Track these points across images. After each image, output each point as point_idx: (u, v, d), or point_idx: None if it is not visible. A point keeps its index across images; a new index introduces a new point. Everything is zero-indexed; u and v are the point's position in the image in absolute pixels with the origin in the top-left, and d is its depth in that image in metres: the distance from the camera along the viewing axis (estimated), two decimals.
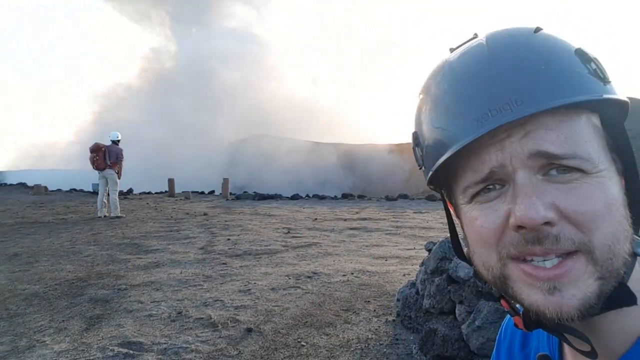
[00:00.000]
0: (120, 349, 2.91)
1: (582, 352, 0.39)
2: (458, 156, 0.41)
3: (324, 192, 20.01)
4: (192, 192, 17.62)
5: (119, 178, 10.29)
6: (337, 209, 11.89)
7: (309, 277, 4.61)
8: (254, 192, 16.93)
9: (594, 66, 0.39)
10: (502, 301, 0.45)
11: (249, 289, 4.20)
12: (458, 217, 0.46)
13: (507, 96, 0.38)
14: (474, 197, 0.42)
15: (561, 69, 0.38)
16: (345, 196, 16.35)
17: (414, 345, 2.90)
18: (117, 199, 10.13)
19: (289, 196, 16.32)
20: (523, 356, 0.53)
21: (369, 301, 3.82)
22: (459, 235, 0.50)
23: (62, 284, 4.49)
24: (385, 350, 2.89)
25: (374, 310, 3.59)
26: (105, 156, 9.98)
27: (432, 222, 8.85)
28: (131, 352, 2.88)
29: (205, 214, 10.44)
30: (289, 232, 7.72)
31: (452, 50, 0.46)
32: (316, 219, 9.69)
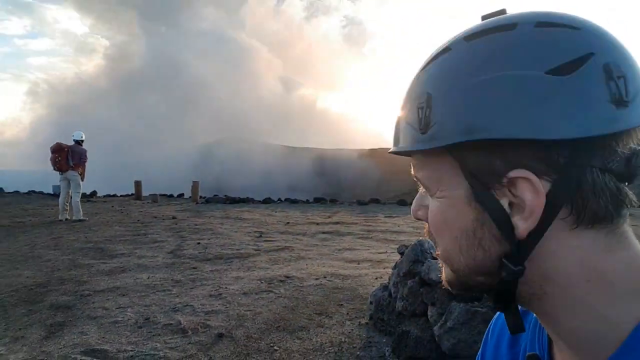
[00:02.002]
0: (84, 357, 2.78)
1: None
2: None
3: (295, 196, 19.96)
4: (160, 195, 17.15)
5: (83, 180, 9.87)
6: (309, 213, 11.88)
7: (281, 281, 4.57)
8: (225, 196, 16.66)
9: (420, 114, 0.42)
10: None
11: (220, 294, 4.12)
12: None
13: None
14: None
15: (404, 121, 0.45)
16: (317, 200, 16.36)
17: (387, 348, 2.92)
18: (80, 202, 9.71)
19: (261, 200, 16.17)
20: (512, 355, 0.53)
21: (342, 304, 3.82)
22: None
23: (19, 290, 4.24)
24: (358, 353, 2.90)
25: (347, 314, 3.60)
26: (68, 157, 9.54)
27: (403, 226, 8.99)
28: None
29: (174, 218, 10.17)
30: (260, 235, 7.64)
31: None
32: (288, 222, 9.64)
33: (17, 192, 18.08)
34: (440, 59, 0.42)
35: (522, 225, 0.38)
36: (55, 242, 6.86)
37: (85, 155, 9.81)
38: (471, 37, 0.40)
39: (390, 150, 0.47)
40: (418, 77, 0.44)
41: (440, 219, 0.44)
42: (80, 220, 9.37)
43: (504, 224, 0.39)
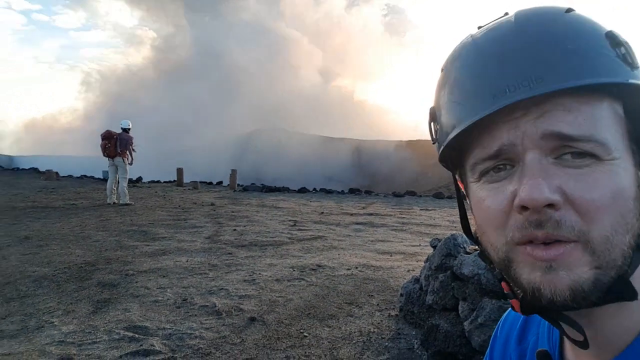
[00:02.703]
0: (126, 333, 2.97)
1: (574, 342, 0.40)
2: (471, 132, 0.41)
3: (331, 186, 20.02)
4: (201, 182, 17.75)
5: (131, 164, 10.38)
6: (343, 204, 11.90)
7: (313, 269, 4.64)
8: (262, 184, 16.99)
9: (623, 50, 0.38)
10: (503, 283, 0.44)
11: (254, 279, 4.24)
12: (467, 196, 0.47)
13: (528, 72, 0.37)
14: (482, 175, 0.42)
15: (588, 48, 0.37)
16: (352, 191, 16.34)
17: (415, 340, 2.91)
18: (126, 187, 10.24)
19: (296, 189, 16.36)
20: (519, 351, 0.52)
21: (372, 295, 3.83)
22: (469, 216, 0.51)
23: (71, 267, 4.57)
24: (387, 344, 2.91)
25: (377, 305, 3.61)
26: (117, 144, 10.08)
27: (438, 220, 8.82)
28: (137, 336, 2.93)
29: (212, 204, 10.51)
30: (295, 224, 7.75)
31: (479, 27, 0.45)
32: (323, 212, 9.71)
33: (70, 176, 19.35)
34: (578, 13, 0.40)
35: None
36: (103, 224, 7.30)
37: (132, 142, 10.30)
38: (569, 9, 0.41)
39: (582, 83, 0.36)
40: (577, 21, 0.40)
41: (615, 189, 0.36)
42: (126, 204, 9.89)
43: None
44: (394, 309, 3.51)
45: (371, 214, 9.57)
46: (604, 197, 0.36)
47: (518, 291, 0.41)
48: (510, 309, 0.56)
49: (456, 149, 0.44)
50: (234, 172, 16.70)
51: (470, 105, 0.40)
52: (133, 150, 10.39)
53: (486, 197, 0.41)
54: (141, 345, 2.79)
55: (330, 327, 3.17)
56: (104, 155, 10.18)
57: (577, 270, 0.36)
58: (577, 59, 0.36)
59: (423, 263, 3.50)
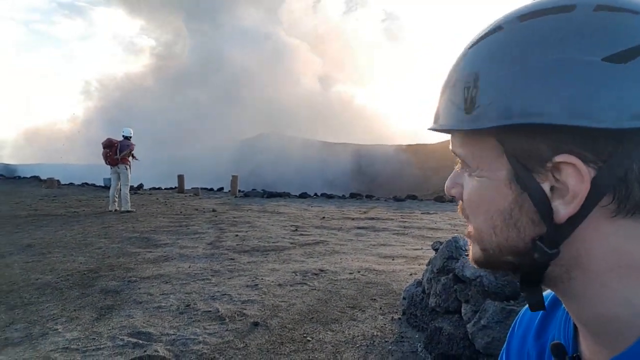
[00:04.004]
0: (130, 339, 2.97)
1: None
2: None
3: (332, 191, 20.03)
4: (202, 188, 17.77)
5: (133, 158, 10.40)
6: (345, 208, 11.90)
7: (315, 274, 4.64)
8: (263, 190, 17.01)
9: (465, 94, 0.41)
10: None
11: (256, 284, 4.25)
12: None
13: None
14: None
15: (447, 99, 0.44)
16: (353, 196, 16.35)
17: (419, 344, 2.92)
18: (128, 194, 10.27)
19: (297, 194, 16.38)
20: (539, 346, 0.52)
21: (375, 299, 3.83)
22: None
23: (74, 274, 4.58)
24: (390, 347, 2.91)
25: (380, 308, 3.61)
26: (117, 151, 10.13)
27: (440, 223, 8.82)
28: (140, 342, 2.93)
29: (214, 211, 10.52)
30: (296, 229, 7.76)
31: None
32: (324, 217, 9.72)
33: (72, 184, 19.41)
34: (491, 37, 0.40)
35: (563, 209, 0.38)
36: (105, 231, 7.31)
37: (132, 148, 10.32)
38: (526, 16, 0.39)
39: (429, 127, 0.46)
40: (465, 54, 0.43)
41: (478, 198, 0.43)
42: (128, 211, 9.91)
43: (543, 207, 0.39)
44: (396, 312, 3.52)
45: (372, 219, 9.57)
46: (469, 201, 0.45)
47: None
48: (527, 306, 0.57)
49: None
50: (235, 177, 16.72)
51: None
52: (133, 157, 10.45)
53: None
54: (145, 351, 2.80)
55: (333, 331, 3.17)
56: (106, 163, 10.23)
57: (474, 248, 0.47)
58: (439, 103, 0.46)
59: (425, 266, 3.51)
